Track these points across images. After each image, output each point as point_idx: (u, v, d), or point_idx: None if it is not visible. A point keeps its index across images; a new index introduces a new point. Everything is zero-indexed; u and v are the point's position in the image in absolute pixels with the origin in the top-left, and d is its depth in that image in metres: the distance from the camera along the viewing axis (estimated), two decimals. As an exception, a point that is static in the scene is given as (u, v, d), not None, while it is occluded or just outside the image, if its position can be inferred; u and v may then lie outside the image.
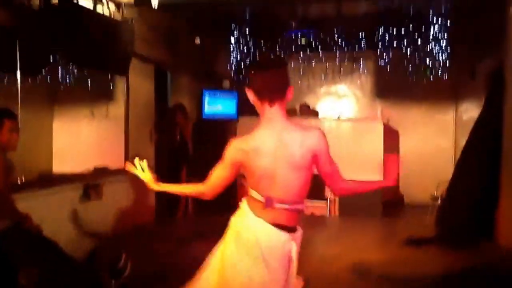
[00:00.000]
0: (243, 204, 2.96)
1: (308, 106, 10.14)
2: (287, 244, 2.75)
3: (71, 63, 6.13)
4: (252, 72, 2.80)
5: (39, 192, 5.07)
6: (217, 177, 2.94)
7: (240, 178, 2.64)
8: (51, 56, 5.48)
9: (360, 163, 8.85)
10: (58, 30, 5.10)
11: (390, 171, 3.06)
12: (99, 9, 5.90)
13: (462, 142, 7.70)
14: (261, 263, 2.69)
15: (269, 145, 2.69)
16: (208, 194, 3.03)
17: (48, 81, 6.50)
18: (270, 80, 2.72)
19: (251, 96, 2.80)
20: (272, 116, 2.75)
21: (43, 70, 5.74)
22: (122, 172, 6.63)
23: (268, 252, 2.70)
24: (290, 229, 2.75)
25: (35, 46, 4.96)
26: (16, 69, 4.95)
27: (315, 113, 10.05)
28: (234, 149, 2.80)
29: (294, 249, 2.80)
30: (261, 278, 2.69)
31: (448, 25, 8.35)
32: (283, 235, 2.72)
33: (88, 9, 5.63)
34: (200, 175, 9.20)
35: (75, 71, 6.76)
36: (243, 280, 2.70)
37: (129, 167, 3.05)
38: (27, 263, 3.50)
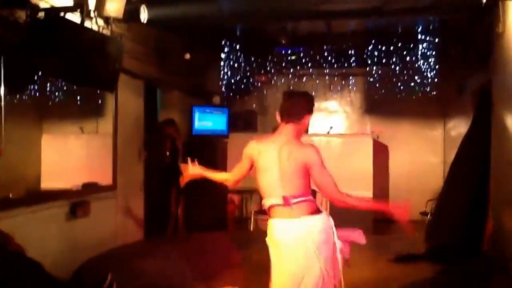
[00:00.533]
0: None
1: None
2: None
3: (58, 79, 6.09)
4: (282, 98, 3.70)
5: (24, 210, 4.97)
6: (238, 167, 3.91)
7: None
8: (37, 71, 5.44)
9: (350, 178, 8.86)
10: (45, 44, 5.06)
11: (401, 213, 3.58)
12: (87, 23, 5.89)
13: (451, 158, 7.74)
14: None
15: (272, 150, 3.52)
16: (231, 181, 4.03)
17: (37, 96, 6.48)
18: (288, 106, 3.59)
19: (277, 114, 3.65)
20: (283, 131, 3.57)
21: (29, 85, 5.71)
22: (110, 188, 6.66)
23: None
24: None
25: (21, 61, 4.91)
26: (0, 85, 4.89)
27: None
28: (249, 147, 3.76)
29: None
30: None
31: (436, 42, 8.43)
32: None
33: (76, 24, 5.60)
34: (190, 192, 9.28)
35: (64, 86, 6.74)
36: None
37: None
38: (11, 286, 3.44)
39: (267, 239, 3.68)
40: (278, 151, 3.46)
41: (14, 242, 3.67)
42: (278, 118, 3.65)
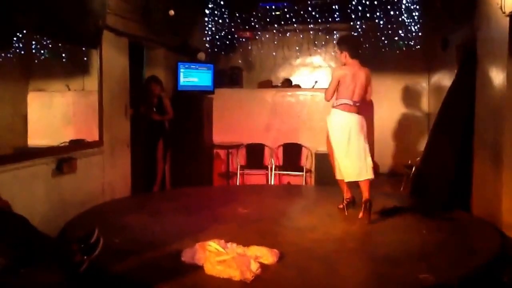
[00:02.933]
0: (333, 110, 5.93)
1: (291, 81, 10.29)
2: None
3: (40, 35, 6.03)
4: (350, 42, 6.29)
5: (10, 166, 4.98)
6: (332, 86, 5.91)
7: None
8: (18, 28, 5.38)
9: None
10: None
11: None
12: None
13: (435, 111, 7.82)
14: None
15: (350, 74, 5.86)
16: (328, 97, 6.01)
17: (22, 54, 6.44)
18: (356, 47, 6.16)
19: (345, 54, 5.97)
20: (352, 63, 5.94)
21: (11, 42, 5.66)
22: (96, 145, 6.69)
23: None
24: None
25: (0, 17, 4.84)
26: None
27: (296, 86, 10.19)
28: (337, 72, 6.00)
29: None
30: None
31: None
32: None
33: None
34: (177, 148, 9.34)
35: (49, 44, 6.70)
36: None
37: None
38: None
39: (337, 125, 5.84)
40: (354, 75, 5.84)
41: (0, 197, 3.68)
42: (345, 56, 5.94)
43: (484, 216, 5.82)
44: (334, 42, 10.10)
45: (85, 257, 3.72)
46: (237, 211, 6.20)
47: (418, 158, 7.89)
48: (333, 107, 5.90)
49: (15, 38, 5.79)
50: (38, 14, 5.20)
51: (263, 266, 3.95)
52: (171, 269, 4.01)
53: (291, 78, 10.53)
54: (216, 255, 3.99)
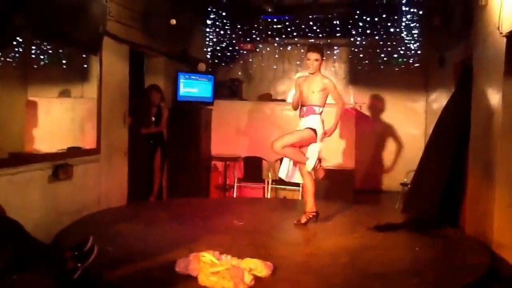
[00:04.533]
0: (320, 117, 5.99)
1: (270, 95, 10.38)
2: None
3: (40, 39, 6.05)
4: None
5: (6, 171, 4.97)
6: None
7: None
8: (19, 32, 5.39)
9: (333, 148, 8.98)
10: (26, 3, 5.00)
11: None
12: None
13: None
14: None
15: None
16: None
17: (22, 59, 6.47)
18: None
19: None
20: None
21: (11, 46, 5.66)
22: (93, 152, 6.69)
23: None
24: None
25: (1, 20, 4.84)
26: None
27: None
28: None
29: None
30: None
31: (420, 13, 8.47)
32: None
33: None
34: (174, 158, 9.33)
35: (49, 50, 6.72)
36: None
37: None
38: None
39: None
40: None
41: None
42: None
43: (476, 233, 5.84)
44: (335, 57, 10.21)
45: (79, 264, 3.73)
46: (232, 223, 6.21)
47: (412, 176, 7.91)
48: (319, 113, 5.99)
49: (14, 42, 5.79)
50: (39, 19, 5.21)
51: (256, 278, 3.95)
52: (164, 279, 4.02)
53: (290, 92, 10.54)
54: (210, 266, 3.99)
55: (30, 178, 5.37)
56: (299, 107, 6.12)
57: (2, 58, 6.35)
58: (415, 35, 8.51)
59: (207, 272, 3.90)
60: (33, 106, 7.23)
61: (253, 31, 9.54)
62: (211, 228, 5.93)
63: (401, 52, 8.80)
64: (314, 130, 5.90)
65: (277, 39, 9.76)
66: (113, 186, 7.16)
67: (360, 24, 8.86)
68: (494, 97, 5.55)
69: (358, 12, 8.84)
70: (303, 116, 6.00)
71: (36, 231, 3.65)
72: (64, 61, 6.98)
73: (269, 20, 9.55)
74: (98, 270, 4.00)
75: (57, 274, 3.86)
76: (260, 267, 4.13)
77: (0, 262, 3.50)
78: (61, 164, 5.85)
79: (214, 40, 9.53)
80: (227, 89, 10.28)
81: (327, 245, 5.36)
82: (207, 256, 4.17)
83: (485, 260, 4.83)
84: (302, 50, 10.01)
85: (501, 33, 5.29)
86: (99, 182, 6.79)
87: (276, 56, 10.20)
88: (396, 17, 8.67)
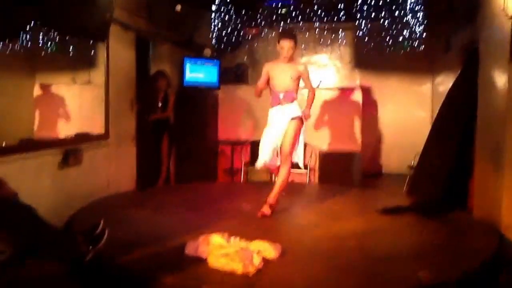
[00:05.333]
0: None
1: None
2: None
3: (48, 28, 6.07)
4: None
5: (17, 157, 5.05)
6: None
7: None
8: (26, 20, 5.41)
9: (340, 131, 9.00)
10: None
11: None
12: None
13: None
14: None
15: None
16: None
17: (29, 47, 6.49)
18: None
19: None
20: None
21: (19, 35, 5.69)
22: (102, 138, 6.75)
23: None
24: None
25: (8, 8, 4.86)
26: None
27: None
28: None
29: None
30: None
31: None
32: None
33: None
34: (182, 143, 9.39)
35: (57, 37, 6.75)
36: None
37: None
38: (3, 229, 3.50)
39: None
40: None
41: (7, 186, 3.71)
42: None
43: (484, 217, 5.85)
44: (339, 41, 10.18)
45: (90, 247, 3.77)
46: (241, 207, 6.25)
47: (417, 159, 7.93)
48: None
49: (22, 31, 5.83)
50: (47, 8, 5.24)
51: (265, 260, 3.99)
52: (174, 262, 4.06)
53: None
54: (219, 249, 4.04)
55: (40, 164, 5.44)
56: (271, 94, 5.95)
57: (10, 46, 6.38)
58: (421, 19, 8.47)
59: (217, 254, 3.94)
60: (42, 93, 7.27)
61: (258, 16, 9.52)
62: (219, 212, 5.96)
63: (407, 35, 8.77)
64: (300, 118, 5.82)
65: (282, 23, 9.73)
66: (122, 172, 7.22)
67: (365, 7, 8.83)
68: (501, 80, 5.54)
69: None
70: (281, 103, 5.81)
71: (47, 216, 3.68)
72: (70, 49, 7.00)
73: (273, 4, 9.52)
74: (109, 253, 4.05)
75: (69, 258, 3.91)
76: (268, 249, 4.17)
77: (13, 246, 3.55)
78: (71, 150, 5.91)
79: (219, 25, 9.52)
80: (233, 75, 10.29)
81: (335, 228, 5.39)
82: (217, 239, 4.22)
83: (494, 244, 4.82)
84: (307, 35, 10.00)
85: (506, 15, 5.28)
86: (108, 168, 6.86)
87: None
88: (401, 1, 8.64)
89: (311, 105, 5.96)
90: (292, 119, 5.76)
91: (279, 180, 5.87)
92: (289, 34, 5.89)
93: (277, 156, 5.94)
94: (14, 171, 4.86)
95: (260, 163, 6.02)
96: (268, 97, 5.91)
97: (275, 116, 5.88)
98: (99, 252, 3.83)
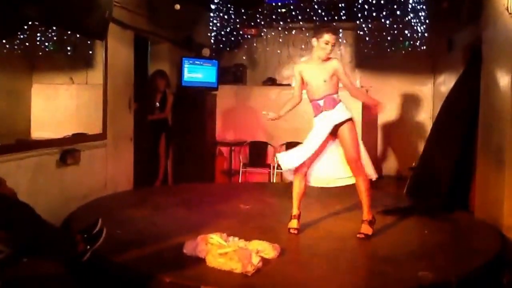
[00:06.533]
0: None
1: (275, 80, 10.25)
2: None
3: (46, 25, 6.03)
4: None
5: (15, 156, 5.01)
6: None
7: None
8: (24, 18, 5.36)
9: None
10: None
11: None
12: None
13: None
14: None
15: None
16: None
17: (27, 46, 6.45)
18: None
19: None
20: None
21: (17, 33, 5.65)
22: (100, 138, 6.70)
23: None
24: None
25: (6, 6, 4.82)
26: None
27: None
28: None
29: None
30: None
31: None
32: None
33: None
34: (179, 143, 9.33)
35: (54, 37, 6.71)
36: None
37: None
38: (1, 228, 3.47)
39: None
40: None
41: (6, 185, 3.68)
42: None
43: (486, 218, 5.81)
44: (340, 40, 10.12)
45: (88, 246, 3.73)
46: (239, 207, 6.22)
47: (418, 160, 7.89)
48: (339, 100, 5.21)
49: (21, 29, 5.79)
50: (47, 6, 5.20)
51: (264, 260, 3.96)
52: (172, 261, 4.05)
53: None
54: (218, 248, 4.00)
55: (38, 163, 5.40)
56: (311, 101, 5.26)
57: (8, 46, 6.34)
58: (422, 18, 8.41)
59: (215, 254, 3.91)
60: (39, 93, 7.23)
61: (257, 16, 9.46)
62: (217, 212, 5.95)
63: (408, 35, 8.71)
64: (351, 119, 5.16)
65: (281, 23, 9.68)
66: (119, 171, 7.18)
67: (366, 7, 8.77)
68: (504, 79, 5.49)
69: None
70: (323, 110, 5.13)
71: (45, 215, 3.64)
72: (68, 48, 6.97)
73: (273, 4, 9.47)
74: (107, 252, 4.03)
75: (67, 257, 3.88)
76: (267, 249, 4.15)
77: (11, 245, 3.52)
78: (68, 149, 5.88)
79: (218, 25, 9.46)
80: (231, 75, 10.23)
81: (335, 229, 5.36)
82: (215, 238, 4.20)
83: (495, 245, 4.80)
84: (307, 34, 9.94)
85: (510, 13, 5.23)
86: (105, 167, 6.82)
87: (281, 40, 10.12)
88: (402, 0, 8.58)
89: (369, 96, 5.53)
90: (342, 123, 5.08)
91: (363, 194, 5.13)
92: (334, 28, 5.32)
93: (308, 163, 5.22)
94: (11, 170, 4.83)
95: (289, 165, 5.21)
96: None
97: (320, 125, 5.18)
98: (97, 251, 3.79)
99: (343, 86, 5.24)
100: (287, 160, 5.20)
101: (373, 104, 5.35)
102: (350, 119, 5.11)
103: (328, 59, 5.09)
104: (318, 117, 5.20)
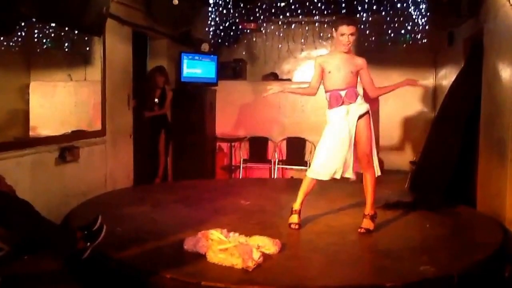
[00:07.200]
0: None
1: (276, 75, 10.23)
2: None
3: (43, 21, 6.00)
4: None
5: (14, 153, 5.00)
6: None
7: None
8: (21, 14, 5.33)
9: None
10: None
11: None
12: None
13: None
14: None
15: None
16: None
17: (25, 43, 6.42)
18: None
19: None
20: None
21: (14, 30, 5.62)
22: (99, 134, 6.67)
23: None
24: None
25: (1, 1, 4.79)
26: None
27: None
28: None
29: None
30: None
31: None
32: None
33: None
34: (179, 140, 9.31)
35: (52, 33, 6.67)
36: None
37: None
38: (1, 225, 3.47)
39: None
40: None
41: (5, 182, 3.68)
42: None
43: (488, 212, 5.79)
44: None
45: (88, 244, 3.72)
46: (239, 203, 6.20)
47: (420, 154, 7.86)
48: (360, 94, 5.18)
49: (17, 26, 5.76)
50: (41, 1, 5.17)
51: (265, 255, 3.95)
52: (173, 257, 4.04)
53: (296, 72, 10.46)
54: (218, 244, 3.99)
55: (37, 160, 5.39)
56: (327, 93, 5.12)
57: (5, 43, 6.31)
58: (423, 11, 8.37)
59: (216, 250, 3.89)
60: (37, 90, 7.19)
61: (257, 10, 9.42)
62: (218, 208, 5.92)
63: (409, 28, 8.66)
64: (369, 113, 5.12)
65: (281, 17, 9.63)
66: (119, 168, 7.16)
67: (366, 0, 8.72)
68: (506, 72, 5.45)
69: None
70: (344, 102, 5.00)
71: (44, 212, 3.63)
72: (66, 45, 6.93)
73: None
74: (107, 249, 4.03)
75: (67, 254, 3.87)
76: (268, 244, 4.13)
77: (11, 242, 3.51)
78: (67, 146, 5.86)
79: (217, 19, 9.42)
80: (231, 70, 10.19)
81: (335, 223, 5.34)
82: (215, 234, 4.18)
83: (498, 238, 4.78)
84: (307, 28, 9.90)
85: (511, 5, 5.20)
86: (105, 164, 6.80)
87: (280, 35, 10.08)
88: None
89: (390, 86, 5.46)
90: (361, 116, 5.02)
91: (369, 188, 5.13)
92: (350, 19, 5.15)
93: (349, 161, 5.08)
94: (11, 168, 4.81)
95: (330, 173, 5.08)
96: (264, 92, 5.55)
97: (339, 119, 5.02)
98: (96, 248, 3.78)
99: (364, 85, 5.27)
100: (324, 171, 5.11)
101: (405, 85, 5.55)
102: (368, 113, 5.08)
103: (350, 51, 5.12)
104: (335, 111, 5.05)
